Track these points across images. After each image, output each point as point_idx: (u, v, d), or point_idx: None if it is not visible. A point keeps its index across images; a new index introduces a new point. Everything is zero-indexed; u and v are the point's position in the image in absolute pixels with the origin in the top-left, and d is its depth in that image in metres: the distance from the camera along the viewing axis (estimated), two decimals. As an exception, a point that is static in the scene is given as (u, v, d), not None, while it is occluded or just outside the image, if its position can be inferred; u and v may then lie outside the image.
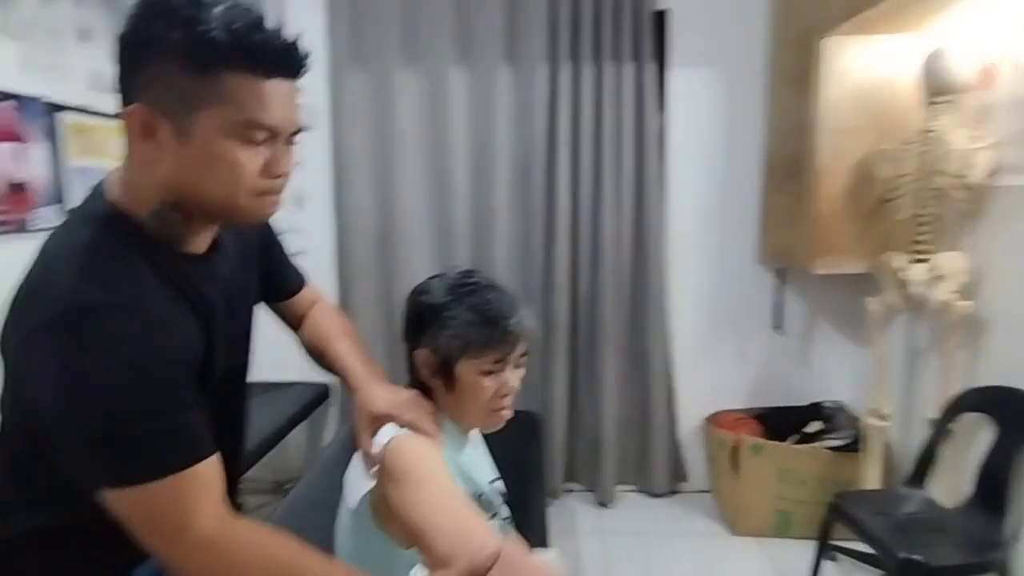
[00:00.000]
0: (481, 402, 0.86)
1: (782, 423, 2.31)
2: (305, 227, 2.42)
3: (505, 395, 0.87)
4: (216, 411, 0.75)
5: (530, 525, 1.42)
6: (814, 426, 2.29)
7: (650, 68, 2.23)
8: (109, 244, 0.69)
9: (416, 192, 2.33)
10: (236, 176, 0.68)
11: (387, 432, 0.81)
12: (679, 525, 2.29)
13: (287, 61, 0.68)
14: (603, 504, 2.42)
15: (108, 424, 0.62)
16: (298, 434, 2.26)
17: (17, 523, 0.76)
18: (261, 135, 0.68)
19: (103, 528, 0.67)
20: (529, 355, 0.93)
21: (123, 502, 0.64)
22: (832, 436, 2.19)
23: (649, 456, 2.43)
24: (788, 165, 2.13)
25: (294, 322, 1.07)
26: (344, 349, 0.98)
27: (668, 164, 2.35)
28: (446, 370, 0.85)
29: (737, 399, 2.46)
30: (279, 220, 2.13)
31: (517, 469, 1.72)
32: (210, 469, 0.67)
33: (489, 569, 0.59)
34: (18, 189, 1.76)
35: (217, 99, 0.65)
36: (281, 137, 0.71)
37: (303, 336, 1.05)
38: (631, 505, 2.44)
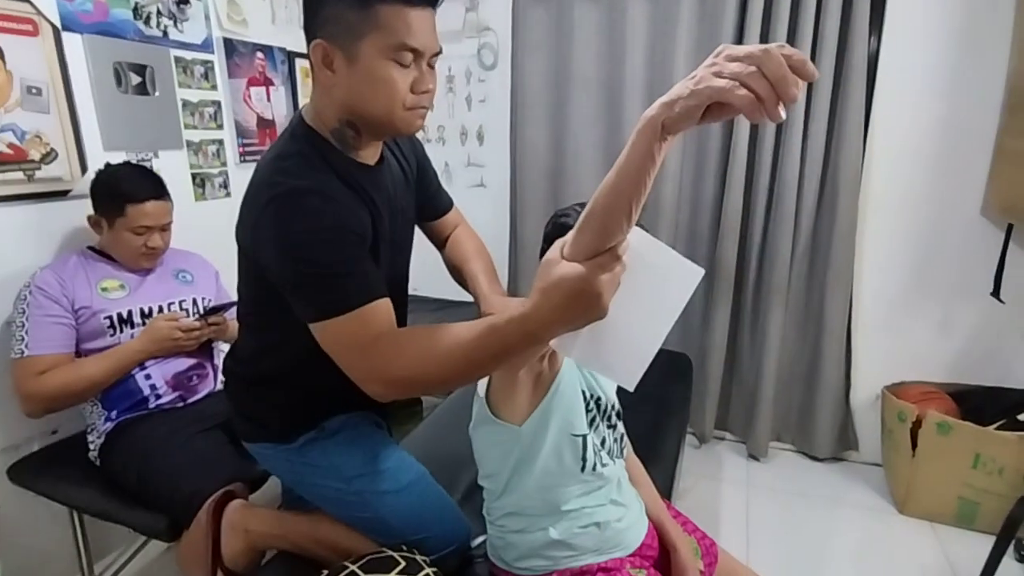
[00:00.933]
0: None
1: (986, 405, 2.01)
2: (485, 162, 2.62)
3: None
4: None
5: (659, 460, 1.49)
6: (1030, 414, 1.95)
7: (864, -16, 1.93)
8: (300, 151, 0.90)
9: (588, 130, 2.36)
10: (392, 92, 0.85)
11: None
12: (837, 492, 2.16)
13: None
14: (754, 457, 2.36)
15: (307, 273, 0.83)
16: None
17: (254, 368, 1.06)
18: (408, 56, 0.84)
19: (308, 379, 0.91)
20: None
21: (324, 332, 0.84)
22: (1052, 428, 1.86)
23: (813, 417, 2.29)
24: (1037, 99, 1.74)
25: (440, 242, 1.25)
26: (475, 269, 1.14)
27: (876, 97, 2.05)
28: None
29: (932, 371, 2.18)
30: (461, 153, 2.37)
31: (659, 406, 1.79)
32: (384, 306, 0.85)
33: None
34: (266, 124, 2.19)
35: (374, 27, 0.82)
36: (424, 58, 0.86)
37: (445, 255, 1.23)
38: (785, 463, 2.35)
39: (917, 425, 1.95)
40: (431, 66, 0.89)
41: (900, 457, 2.03)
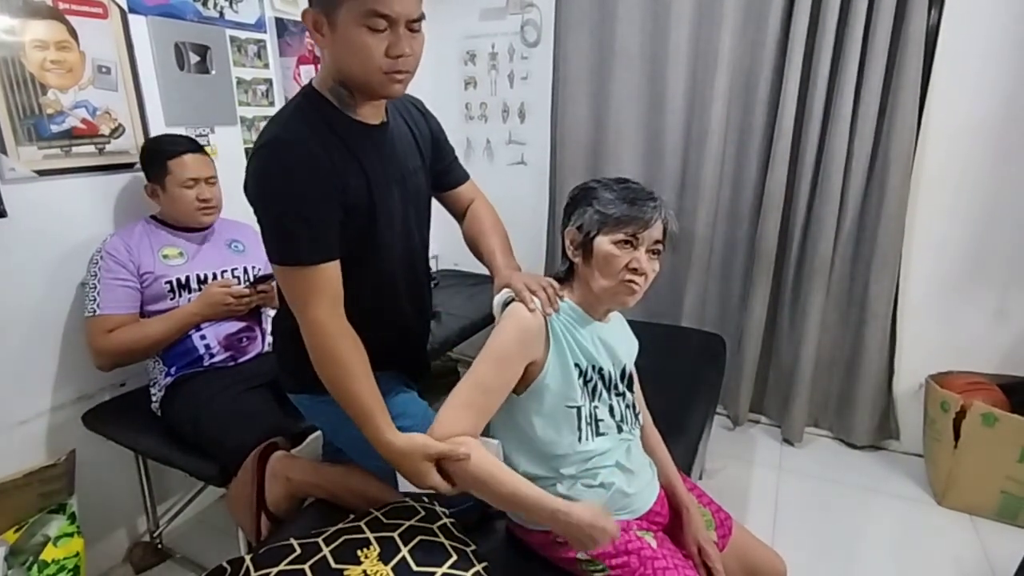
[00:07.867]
0: (612, 271, 0.95)
1: (1041, 398, 1.92)
2: (526, 139, 2.64)
3: (635, 270, 0.95)
4: (403, 293, 1.00)
5: (681, 435, 1.51)
6: (1088, 409, 1.85)
7: (925, -49, 1.83)
8: (299, 108, 0.99)
9: (630, 107, 2.34)
10: (366, 57, 0.90)
11: (503, 294, 1.00)
12: (874, 481, 2.12)
13: None
14: (789, 441, 2.34)
15: (269, 217, 0.93)
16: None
17: (290, 320, 1.14)
18: (381, 23, 0.88)
19: None
20: (663, 251, 1.00)
21: (279, 275, 0.98)
22: (1110, 424, 1.76)
23: (852, 404, 2.24)
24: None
25: (458, 214, 1.29)
26: (491, 244, 1.18)
27: (935, 72, 1.95)
28: (586, 243, 0.98)
29: (984, 361, 2.09)
30: (503, 131, 2.42)
31: (688, 383, 1.80)
32: (331, 272, 0.96)
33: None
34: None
35: None
36: (399, 24, 0.90)
37: (464, 228, 1.27)
38: (821, 449, 2.31)
39: (961, 416, 1.89)
40: (413, 31, 0.93)
41: (941, 448, 1.97)
